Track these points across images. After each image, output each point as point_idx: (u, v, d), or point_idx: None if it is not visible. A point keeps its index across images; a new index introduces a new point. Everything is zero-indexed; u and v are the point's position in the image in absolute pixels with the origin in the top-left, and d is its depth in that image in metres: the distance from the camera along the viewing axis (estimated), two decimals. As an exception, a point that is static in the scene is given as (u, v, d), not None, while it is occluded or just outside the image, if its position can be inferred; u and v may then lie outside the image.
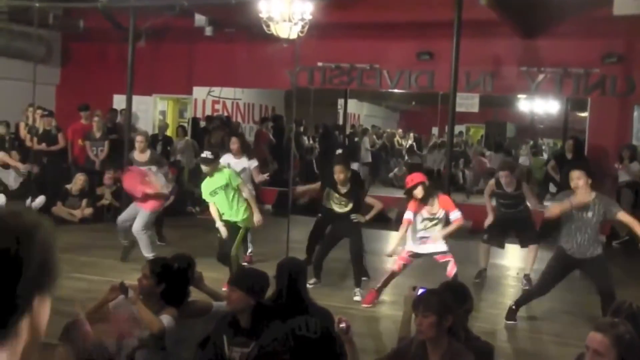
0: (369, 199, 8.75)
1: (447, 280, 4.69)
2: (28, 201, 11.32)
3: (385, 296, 7.92)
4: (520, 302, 7.41)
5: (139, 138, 10.44)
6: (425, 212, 7.51)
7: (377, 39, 13.74)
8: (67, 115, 14.73)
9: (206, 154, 8.31)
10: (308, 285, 7.91)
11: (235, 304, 4.30)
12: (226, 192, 8.10)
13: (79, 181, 12.26)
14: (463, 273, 7.69)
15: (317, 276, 8.38)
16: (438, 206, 7.51)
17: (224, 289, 6.15)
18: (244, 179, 8.98)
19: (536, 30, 12.60)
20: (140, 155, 10.26)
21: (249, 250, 9.78)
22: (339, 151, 14.52)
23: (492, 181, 9.29)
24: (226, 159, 9.91)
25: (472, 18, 11.06)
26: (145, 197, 9.15)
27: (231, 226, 8.15)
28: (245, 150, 10.26)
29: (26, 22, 13.94)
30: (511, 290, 9.01)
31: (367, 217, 8.44)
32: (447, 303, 4.02)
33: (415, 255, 7.69)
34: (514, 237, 9.30)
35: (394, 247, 7.74)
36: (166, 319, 4.58)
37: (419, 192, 7.40)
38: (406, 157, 18.86)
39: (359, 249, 8.29)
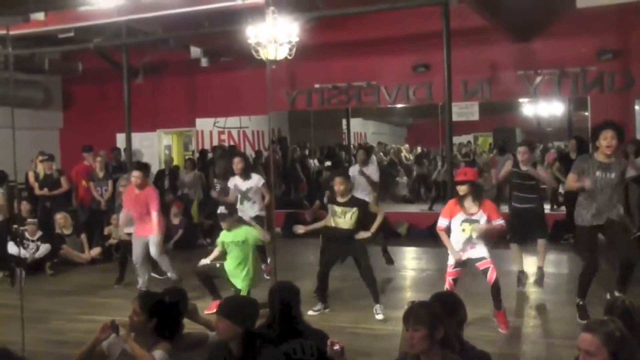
0: (372, 207, 8.47)
1: (439, 291, 4.59)
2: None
3: (393, 313, 7.79)
4: (580, 293, 7.23)
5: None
6: (463, 214, 7.11)
7: (372, 55, 13.74)
8: (72, 158, 14.86)
9: (221, 209, 8.34)
10: (313, 312, 7.92)
11: (223, 333, 4.26)
12: (242, 249, 8.12)
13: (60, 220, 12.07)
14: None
15: (322, 301, 8.24)
16: (478, 208, 7.07)
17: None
18: (252, 198, 9.75)
19: (529, 32, 12.53)
20: None
21: (268, 260, 9.80)
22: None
23: (510, 160, 9.08)
24: (232, 181, 9.98)
25: (464, 26, 11.04)
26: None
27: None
28: (250, 169, 10.29)
29: (24, 70, 14.10)
30: (526, 295, 8.83)
31: (372, 229, 8.12)
32: (437, 315, 3.94)
33: (462, 264, 7.20)
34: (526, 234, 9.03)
35: (453, 255, 7.17)
36: (159, 354, 4.54)
37: (463, 189, 7.04)
38: (415, 170, 18.77)
39: (367, 267, 8.03)
